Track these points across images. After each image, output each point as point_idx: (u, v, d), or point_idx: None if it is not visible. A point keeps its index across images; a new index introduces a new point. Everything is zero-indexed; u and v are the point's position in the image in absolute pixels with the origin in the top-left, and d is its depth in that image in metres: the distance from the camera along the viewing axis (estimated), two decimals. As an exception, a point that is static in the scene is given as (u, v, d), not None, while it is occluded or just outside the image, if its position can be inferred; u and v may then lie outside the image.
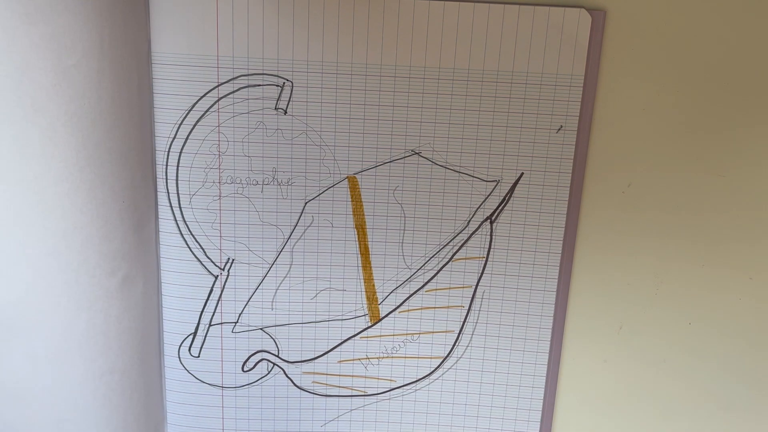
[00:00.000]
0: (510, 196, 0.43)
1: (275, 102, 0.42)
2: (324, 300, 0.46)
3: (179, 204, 0.43)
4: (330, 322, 0.46)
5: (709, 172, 0.43)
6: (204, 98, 0.42)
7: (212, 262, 0.45)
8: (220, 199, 0.43)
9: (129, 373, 0.43)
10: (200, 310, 0.45)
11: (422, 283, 0.45)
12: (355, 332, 0.46)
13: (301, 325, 0.46)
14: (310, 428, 0.48)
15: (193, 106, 0.42)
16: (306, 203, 0.44)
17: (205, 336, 0.46)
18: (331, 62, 0.41)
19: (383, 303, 0.46)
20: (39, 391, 0.41)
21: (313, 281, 0.45)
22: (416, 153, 0.43)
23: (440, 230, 0.44)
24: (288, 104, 0.42)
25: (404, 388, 0.47)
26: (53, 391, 0.41)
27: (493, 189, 0.43)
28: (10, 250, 0.38)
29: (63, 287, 0.39)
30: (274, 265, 0.45)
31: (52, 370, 0.41)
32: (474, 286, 0.45)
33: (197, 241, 0.44)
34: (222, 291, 0.45)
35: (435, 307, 0.46)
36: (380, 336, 0.46)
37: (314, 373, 0.47)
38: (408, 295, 0.45)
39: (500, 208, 0.44)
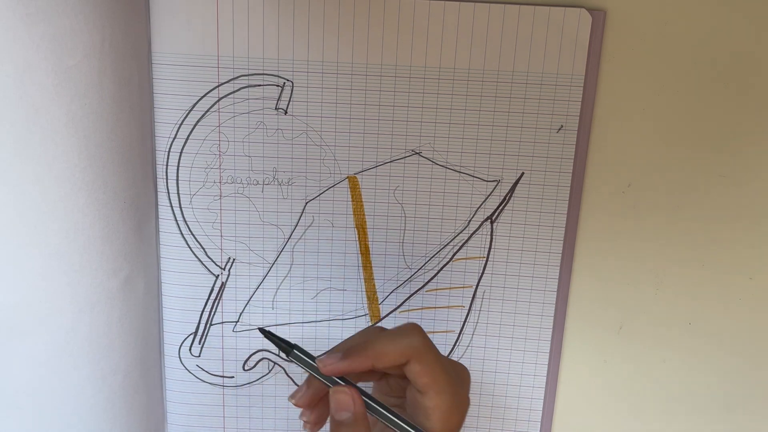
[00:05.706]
0: (510, 196, 0.43)
1: (275, 102, 0.42)
2: (324, 300, 0.46)
3: (180, 204, 0.44)
4: (330, 321, 0.46)
5: (709, 172, 0.43)
6: (204, 98, 0.42)
7: (213, 261, 0.45)
8: (220, 199, 0.44)
9: (131, 374, 0.43)
10: (201, 309, 0.45)
11: (423, 283, 0.45)
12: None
13: (301, 324, 0.46)
14: (310, 427, 0.48)
15: (193, 106, 0.42)
16: (306, 203, 0.44)
17: (206, 336, 0.46)
18: (332, 62, 0.41)
19: (384, 303, 0.46)
20: (41, 395, 0.41)
21: (313, 281, 0.45)
22: (416, 153, 0.43)
23: (440, 230, 0.44)
24: (288, 104, 0.42)
25: (404, 387, 0.47)
26: (55, 396, 0.41)
27: (494, 189, 0.43)
28: (11, 252, 0.38)
29: (65, 289, 0.39)
30: (274, 265, 0.45)
31: (54, 374, 0.40)
32: (474, 286, 0.45)
33: (198, 241, 0.44)
34: (223, 291, 0.45)
35: (435, 307, 0.46)
36: (381, 335, 0.46)
37: (315, 372, 0.47)
38: (408, 295, 0.45)
39: (501, 208, 0.44)
